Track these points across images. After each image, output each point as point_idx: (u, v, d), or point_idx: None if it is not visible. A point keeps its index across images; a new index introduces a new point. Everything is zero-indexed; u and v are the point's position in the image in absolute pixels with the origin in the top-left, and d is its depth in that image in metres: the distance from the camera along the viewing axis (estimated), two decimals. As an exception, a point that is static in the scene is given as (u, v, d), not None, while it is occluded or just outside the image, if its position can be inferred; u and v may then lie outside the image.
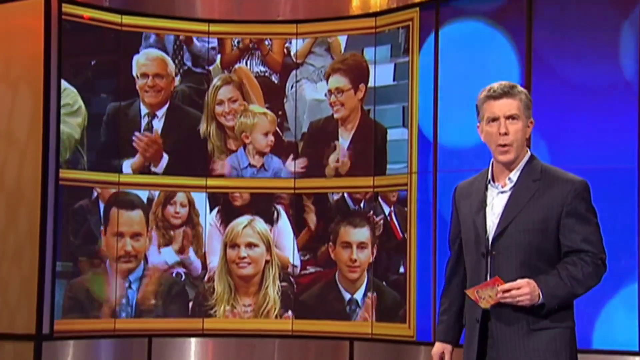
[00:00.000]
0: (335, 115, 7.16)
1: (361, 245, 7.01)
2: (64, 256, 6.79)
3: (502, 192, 3.44)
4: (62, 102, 6.78)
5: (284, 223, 7.24)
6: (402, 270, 6.79)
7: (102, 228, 6.94)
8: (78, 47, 6.89)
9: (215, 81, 7.26)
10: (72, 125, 6.85)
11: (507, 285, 3.25)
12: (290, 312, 7.16)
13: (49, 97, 6.66)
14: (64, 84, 6.80)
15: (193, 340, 7.19)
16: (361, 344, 6.96)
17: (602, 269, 3.36)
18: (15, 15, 6.75)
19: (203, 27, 7.27)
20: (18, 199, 6.71)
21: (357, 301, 7.02)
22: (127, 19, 7.08)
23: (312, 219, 7.21)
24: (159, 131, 7.15)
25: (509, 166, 3.44)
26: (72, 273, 6.84)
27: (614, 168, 5.89)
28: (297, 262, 7.21)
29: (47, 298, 6.62)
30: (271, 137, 7.27)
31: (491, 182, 3.48)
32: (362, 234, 7.02)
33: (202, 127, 7.23)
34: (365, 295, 6.98)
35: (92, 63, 7.01)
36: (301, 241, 7.22)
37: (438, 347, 3.66)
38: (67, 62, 6.80)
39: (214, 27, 7.28)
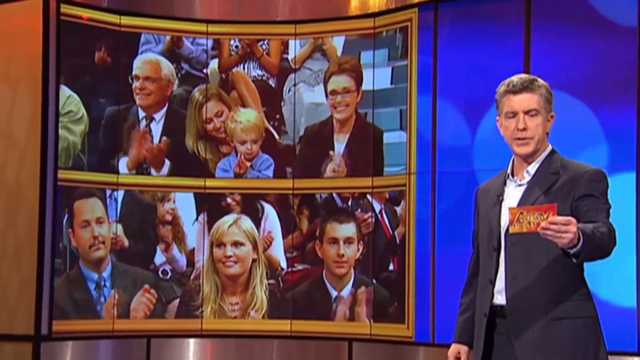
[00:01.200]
0: (338, 117, 7.13)
1: (348, 241, 7.03)
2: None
3: (520, 185, 3.41)
4: (66, 109, 6.79)
5: (273, 221, 7.23)
6: (391, 267, 6.80)
7: (70, 229, 6.89)
8: (77, 48, 6.89)
9: (197, 96, 7.23)
10: (76, 133, 6.85)
11: (558, 219, 3.08)
12: (282, 312, 7.17)
13: (48, 97, 6.66)
14: (67, 90, 6.80)
15: (192, 340, 7.18)
16: (360, 344, 6.96)
17: (614, 237, 3.26)
18: (14, 15, 6.74)
19: (201, 27, 7.26)
20: (17, 199, 6.71)
21: (343, 298, 7.03)
22: (126, 20, 7.08)
23: (299, 217, 7.21)
24: (159, 135, 7.14)
25: (528, 160, 3.41)
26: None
27: (613, 169, 5.89)
28: (285, 261, 7.21)
29: (46, 299, 6.61)
30: (249, 145, 7.24)
31: (510, 176, 3.46)
32: (348, 229, 7.03)
33: (189, 144, 7.22)
34: (351, 291, 6.99)
35: (91, 64, 7.00)
36: (288, 239, 7.22)
37: (454, 347, 3.58)
38: (67, 63, 6.80)
39: (212, 28, 7.28)
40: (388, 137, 6.91)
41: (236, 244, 7.19)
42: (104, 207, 7.00)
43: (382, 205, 6.89)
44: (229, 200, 7.24)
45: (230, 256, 7.17)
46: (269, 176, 7.25)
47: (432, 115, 6.62)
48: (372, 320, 6.91)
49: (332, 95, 7.17)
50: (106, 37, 7.02)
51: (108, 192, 7.01)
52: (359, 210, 6.99)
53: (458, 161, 6.45)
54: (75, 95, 6.86)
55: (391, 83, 6.95)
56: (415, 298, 6.63)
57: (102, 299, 6.95)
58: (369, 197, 6.94)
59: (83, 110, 6.89)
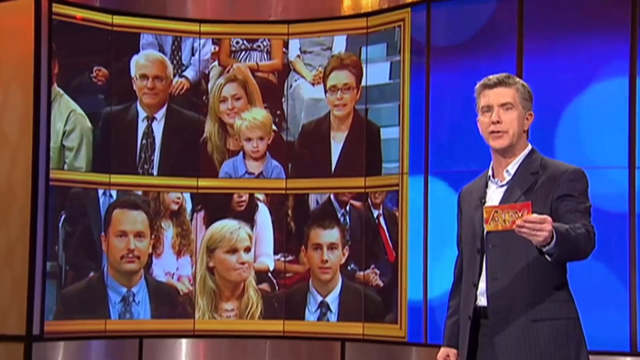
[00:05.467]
0: (337, 113, 7.10)
1: (332, 247, 7.01)
2: (58, 258, 6.79)
3: (501, 187, 3.40)
4: (69, 127, 6.81)
5: (266, 223, 7.21)
6: (385, 267, 6.79)
7: (102, 232, 6.93)
8: (69, 48, 6.87)
9: (220, 80, 7.24)
10: (74, 152, 6.85)
11: (533, 217, 3.05)
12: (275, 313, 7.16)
13: (40, 97, 6.65)
14: (72, 103, 6.81)
15: (184, 341, 7.17)
16: (352, 344, 6.95)
17: (593, 239, 3.23)
18: (5, 15, 6.74)
19: (194, 27, 7.25)
20: (10, 200, 6.70)
21: (327, 304, 7.02)
22: (118, 19, 7.06)
23: (293, 219, 7.19)
24: (160, 134, 7.12)
25: (507, 159, 3.40)
26: (70, 276, 6.83)
27: (606, 168, 5.89)
28: (279, 265, 7.19)
29: (38, 299, 6.60)
30: (255, 143, 7.22)
31: (491, 177, 3.45)
32: (331, 235, 7.02)
33: (207, 127, 7.20)
34: (338, 297, 6.98)
35: (85, 65, 6.98)
36: (281, 242, 7.20)
37: (443, 350, 3.58)
38: (59, 64, 6.78)
39: (205, 28, 7.26)
40: (387, 133, 6.88)
41: (247, 249, 7.17)
42: (149, 222, 7.02)
43: (380, 209, 6.86)
44: (225, 201, 7.22)
45: (244, 262, 7.14)
46: (283, 177, 7.24)
47: (425, 115, 6.61)
48: (364, 321, 6.90)
49: (332, 92, 7.14)
50: (99, 37, 7.00)
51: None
52: (355, 213, 6.97)
53: (452, 161, 6.45)
54: (79, 109, 6.86)
55: (390, 78, 6.93)
56: (407, 298, 6.63)
57: (128, 315, 6.96)
58: (369, 200, 6.92)
59: (87, 125, 6.89)
